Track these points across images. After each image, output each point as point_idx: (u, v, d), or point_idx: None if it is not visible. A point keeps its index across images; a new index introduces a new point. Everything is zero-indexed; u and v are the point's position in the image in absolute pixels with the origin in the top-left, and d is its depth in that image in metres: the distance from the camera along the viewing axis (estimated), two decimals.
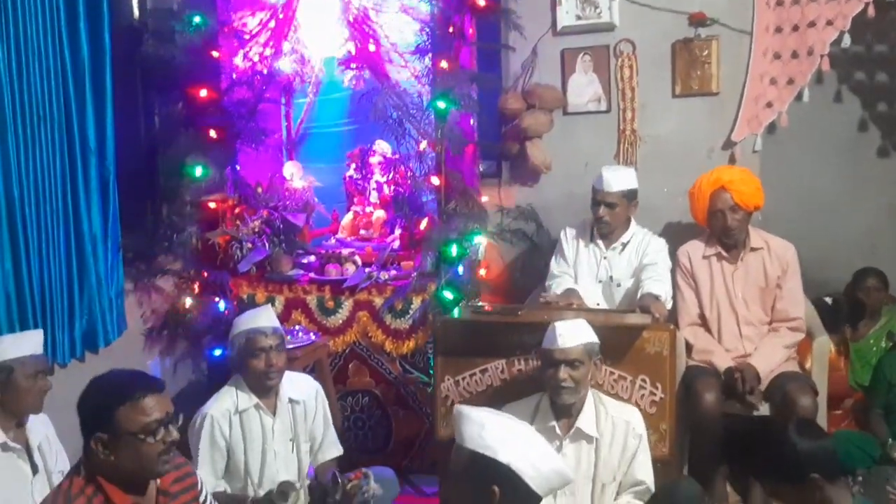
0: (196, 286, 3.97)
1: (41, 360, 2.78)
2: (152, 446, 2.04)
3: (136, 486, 2.09)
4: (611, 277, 3.65)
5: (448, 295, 3.68)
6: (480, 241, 3.92)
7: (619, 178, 3.59)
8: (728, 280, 3.58)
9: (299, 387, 3.24)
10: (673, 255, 3.67)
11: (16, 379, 2.68)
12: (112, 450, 2.03)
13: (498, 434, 1.73)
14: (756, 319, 3.55)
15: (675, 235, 3.86)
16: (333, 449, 3.32)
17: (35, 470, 2.74)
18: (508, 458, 1.69)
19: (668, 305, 3.39)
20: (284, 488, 2.93)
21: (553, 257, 3.79)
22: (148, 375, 2.20)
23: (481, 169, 4.21)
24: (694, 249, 3.65)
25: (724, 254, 3.60)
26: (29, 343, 2.78)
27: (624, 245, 3.66)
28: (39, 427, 2.84)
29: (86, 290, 3.35)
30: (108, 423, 2.02)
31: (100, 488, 2.04)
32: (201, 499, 2.33)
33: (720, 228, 3.54)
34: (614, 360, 2.98)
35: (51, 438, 2.89)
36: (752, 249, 3.57)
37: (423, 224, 3.87)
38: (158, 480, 2.16)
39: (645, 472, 2.79)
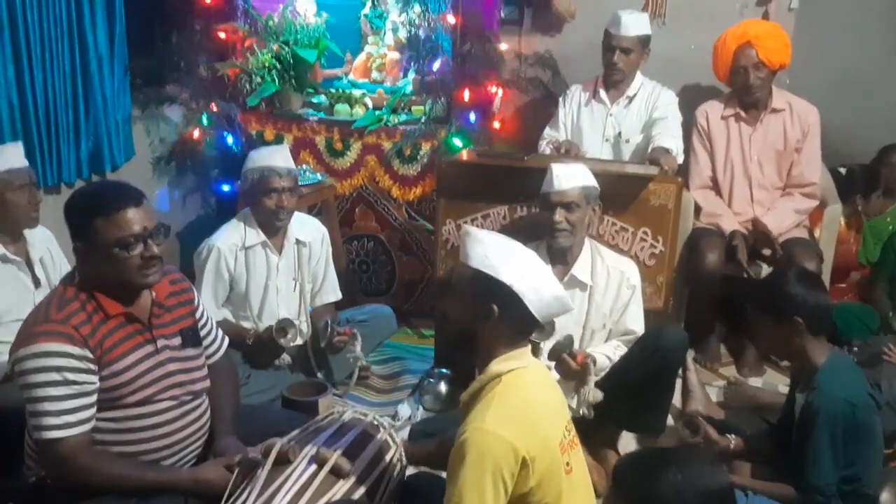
0: (204, 118, 3.93)
1: (25, 172, 2.76)
2: (129, 259, 2.01)
3: (126, 295, 2.11)
4: (619, 134, 3.55)
5: (457, 142, 3.63)
6: (495, 88, 3.80)
7: (635, 22, 3.43)
8: (745, 142, 3.48)
9: (307, 229, 3.26)
10: (691, 114, 3.56)
11: (1, 194, 2.68)
12: (91, 259, 2.04)
13: (503, 256, 1.75)
14: (769, 183, 3.48)
15: (695, 96, 3.73)
16: (332, 294, 3.38)
17: (38, 283, 2.81)
18: (511, 279, 1.72)
19: (680, 160, 3.31)
20: (284, 325, 3.01)
21: (548, 124, 3.69)
22: (129, 188, 2.12)
23: (502, 15, 4.04)
24: (712, 109, 3.54)
25: (742, 114, 3.48)
26: (10, 155, 2.76)
27: (630, 98, 3.55)
28: (41, 241, 2.89)
29: (91, 109, 3.32)
30: (85, 234, 2.02)
31: (92, 295, 2.07)
32: (197, 315, 2.36)
33: (742, 86, 3.41)
34: (617, 211, 2.95)
35: (53, 253, 2.94)
36: (774, 111, 3.45)
37: (437, 65, 3.75)
38: (153, 293, 2.18)
39: (635, 323, 2.81)
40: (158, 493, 2.04)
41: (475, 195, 3.09)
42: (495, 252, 1.75)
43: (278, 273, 3.16)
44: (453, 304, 1.88)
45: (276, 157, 3.08)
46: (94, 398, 2.04)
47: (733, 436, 2.46)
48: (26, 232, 2.80)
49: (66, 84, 3.22)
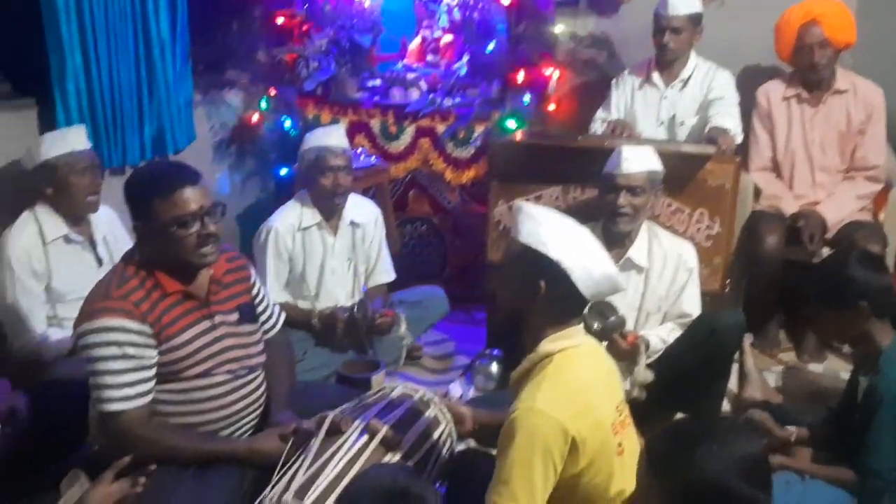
0: (263, 102, 4.00)
1: (87, 155, 2.85)
2: (187, 238, 2.06)
3: (184, 272, 2.16)
4: (673, 117, 3.49)
5: (511, 124, 3.62)
6: (550, 70, 3.77)
7: (685, 0, 3.36)
8: (807, 123, 3.39)
9: (362, 211, 3.31)
10: (751, 96, 3.48)
11: (64, 176, 2.76)
12: (150, 238, 2.10)
13: (554, 232, 1.73)
14: (831, 166, 3.38)
15: (755, 78, 3.64)
16: (385, 275, 3.42)
17: (101, 262, 2.90)
18: (560, 255, 1.69)
19: (738, 140, 3.24)
20: (360, 306, 3.06)
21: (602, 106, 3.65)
22: (186, 167, 2.18)
23: None
24: (774, 89, 3.45)
25: (805, 95, 3.39)
26: (73, 139, 2.84)
27: (685, 81, 3.48)
28: (104, 221, 2.98)
29: (154, 94, 3.41)
30: (144, 213, 2.07)
31: (151, 272, 2.13)
32: (254, 292, 2.42)
33: (806, 65, 3.31)
34: (673, 192, 2.90)
35: (117, 232, 3.03)
36: (837, 92, 3.35)
37: (491, 48, 3.74)
38: (211, 270, 2.24)
39: (692, 306, 2.77)
40: (216, 463, 2.11)
41: (528, 176, 3.08)
42: (546, 228, 1.73)
43: (334, 254, 3.21)
44: (502, 281, 1.86)
45: (331, 136, 3.14)
46: (152, 372, 2.10)
47: (794, 427, 2.40)
48: (91, 214, 2.90)
49: (130, 70, 3.32)
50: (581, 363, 1.75)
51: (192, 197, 2.06)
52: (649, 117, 3.53)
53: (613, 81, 3.63)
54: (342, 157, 3.09)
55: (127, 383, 2.05)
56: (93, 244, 2.90)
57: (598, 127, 3.53)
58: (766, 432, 2.38)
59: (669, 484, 1.38)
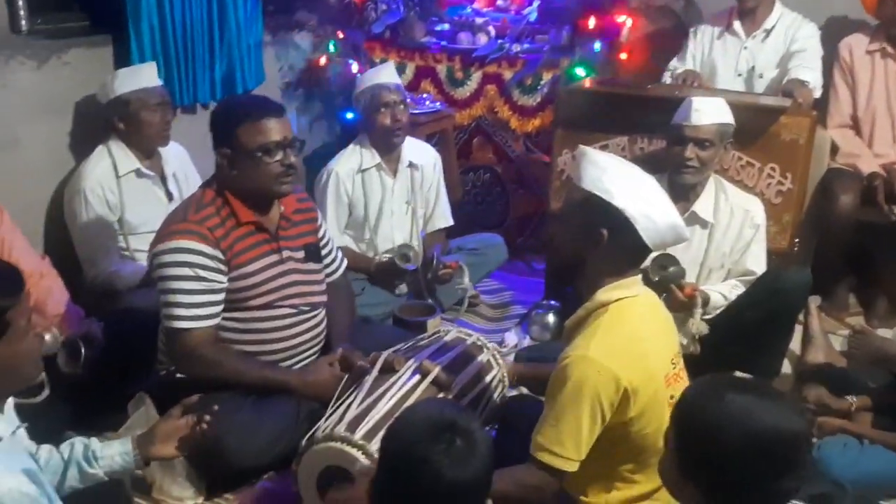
0: (331, 45, 4.01)
1: (159, 92, 2.91)
2: (270, 166, 2.16)
3: (258, 204, 2.25)
4: (752, 68, 3.35)
5: (580, 72, 3.54)
6: (623, 17, 3.67)
7: None
8: (890, 79, 3.23)
9: (420, 153, 3.32)
10: (835, 49, 3.32)
11: (136, 111, 2.83)
12: (234, 164, 2.17)
13: (618, 179, 1.67)
14: None
15: (841, 30, 3.46)
16: (443, 220, 3.43)
17: (170, 197, 2.99)
18: (624, 203, 1.65)
19: (817, 94, 3.11)
20: (405, 251, 3.09)
21: (676, 56, 3.53)
22: (271, 100, 2.29)
23: None
24: (857, 43, 3.28)
25: (889, 50, 3.22)
26: (145, 75, 2.90)
27: (768, 31, 3.33)
28: (174, 157, 3.06)
29: (225, 34, 3.43)
30: (230, 139, 2.16)
31: (227, 202, 2.21)
32: (320, 234, 2.48)
33: (891, 17, 3.14)
34: (744, 145, 2.81)
35: (186, 169, 3.12)
36: None
37: None
38: (282, 207, 2.31)
39: (756, 263, 2.70)
40: (273, 392, 2.19)
41: (594, 125, 3.02)
42: (610, 175, 1.67)
43: (393, 195, 3.23)
44: (562, 228, 1.82)
45: (382, 74, 3.18)
46: (221, 296, 2.20)
47: (854, 396, 2.34)
48: (161, 148, 2.97)
49: (202, 9, 3.34)
50: (637, 314, 1.73)
51: (276, 127, 2.16)
52: (728, 68, 3.40)
53: (692, 30, 3.51)
54: (396, 93, 3.11)
55: (196, 303, 2.15)
56: (163, 179, 2.98)
57: (668, 77, 3.43)
58: (822, 405, 2.33)
59: (688, 434, 1.32)
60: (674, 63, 3.49)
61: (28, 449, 1.53)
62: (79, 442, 1.69)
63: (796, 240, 2.94)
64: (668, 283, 2.45)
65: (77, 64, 2.97)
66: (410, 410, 1.41)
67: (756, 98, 3.03)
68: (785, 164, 2.79)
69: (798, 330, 2.78)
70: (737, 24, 3.38)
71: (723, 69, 3.40)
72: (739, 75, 3.39)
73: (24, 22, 2.86)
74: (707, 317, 2.56)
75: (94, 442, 1.71)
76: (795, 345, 2.81)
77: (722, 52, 3.41)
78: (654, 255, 2.09)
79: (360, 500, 1.45)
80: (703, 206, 2.69)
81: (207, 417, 1.75)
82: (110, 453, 1.69)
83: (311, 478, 1.85)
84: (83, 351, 1.47)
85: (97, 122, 2.93)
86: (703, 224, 2.70)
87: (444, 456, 1.27)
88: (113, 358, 2.34)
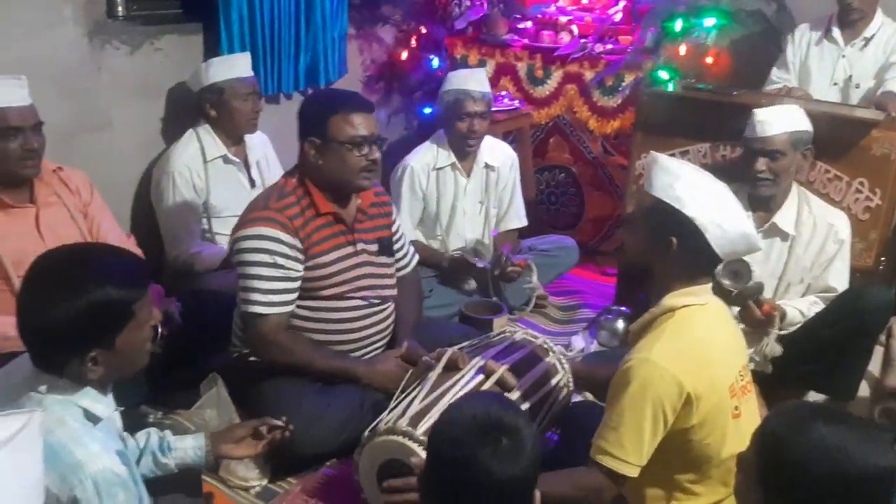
0: (413, 40, 4.04)
1: (251, 82, 2.99)
2: (356, 159, 2.20)
3: (338, 196, 2.30)
4: (849, 78, 3.24)
5: (664, 75, 3.46)
6: (711, 22, 3.58)
7: None
8: None
9: (497, 153, 3.31)
10: None
11: (228, 100, 2.92)
12: (321, 154, 2.22)
13: (689, 187, 1.67)
14: None
15: None
16: (516, 220, 3.42)
17: (253, 184, 3.07)
18: (694, 211, 1.64)
19: None
20: (477, 247, 3.10)
21: (775, 64, 3.41)
22: (361, 96, 2.34)
23: None
24: None
25: None
26: (239, 65, 2.98)
27: (867, 40, 3.22)
28: (258, 145, 3.14)
29: (311, 26, 3.50)
30: (320, 129, 2.21)
31: (308, 192, 2.26)
32: (393, 228, 2.52)
33: None
34: (832, 158, 2.72)
35: (269, 157, 3.19)
36: None
37: None
38: (359, 200, 2.35)
39: (838, 280, 2.61)
40: (339, 380, 2.23)
41: (675, 130, 2.97)
42: (682, 182, 1.67)
43: (466, 194, 3.24)
44: (631, 234, 1.84)
45: (472, 81, 3.14)
46: (297, 284, 2.25)
47: None
48: (246, 136, 3.05)
49: (290, 1, 3.40)
50: (703, 321, 1.71)
51: (365, 122, 2.21)
52: (823, 76, 3.30)
53: (789, 36, 3.40)
54: (481, 104, 3.09)
55: (273, 290, 2.20)
56: (247, 166, 3.06)
57: (768, 88, 3.33)
58: None
59: (773, 467, 1.29)
60: (776, 72, 3.39)
61: (119, 431, 1.60)
62: (154, 433, 1.77)
63: (882, 258, 2.82)
64: (745, 297, 2.38)
65: (169, 50, 3.07)
66: (456, 407, 1.42)
67: (848, 109, 2.92)
68: (874, 179, 2.69)
69: (878, 351, 2.68)
70: (836, 31, 3.26)
71: (818, 77, 3.30)
72: (835, 84, 3.28)
73: (120, 8, 2.97)
74: (782, 332, 2.49)
75: (169, 434, 1.78)
76: (874, 366, 2.70)
77: (818, 59, 3.31)
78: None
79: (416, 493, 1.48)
80: (784, 217, 2.61)
81: (283, 425, 1.83)
82: (184, 446, 1.76)
83: (372, 468, 1.88)
84: (161, 330, 1.53)
85: (186, 107, 3.03)
86: (784, 236, 2.62)
87: (491, 454, 1.28)
88: (188, 338, 2.42)
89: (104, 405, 1.47)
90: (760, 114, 2.52)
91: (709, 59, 3.68)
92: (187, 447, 1.76)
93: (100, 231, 2.56)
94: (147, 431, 1.76)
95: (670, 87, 3.19)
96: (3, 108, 2.26)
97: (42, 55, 2.64)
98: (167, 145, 3.04)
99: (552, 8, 4.04)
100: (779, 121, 2.52)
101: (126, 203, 3.04)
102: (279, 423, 1.84)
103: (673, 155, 2.97)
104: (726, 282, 2.20)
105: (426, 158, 3.21)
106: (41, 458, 0.87)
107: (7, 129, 2.26)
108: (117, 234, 2.60)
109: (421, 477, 1.41)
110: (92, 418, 1.44)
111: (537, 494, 1.35)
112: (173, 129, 3.07)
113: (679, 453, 1.69)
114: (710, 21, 3.59)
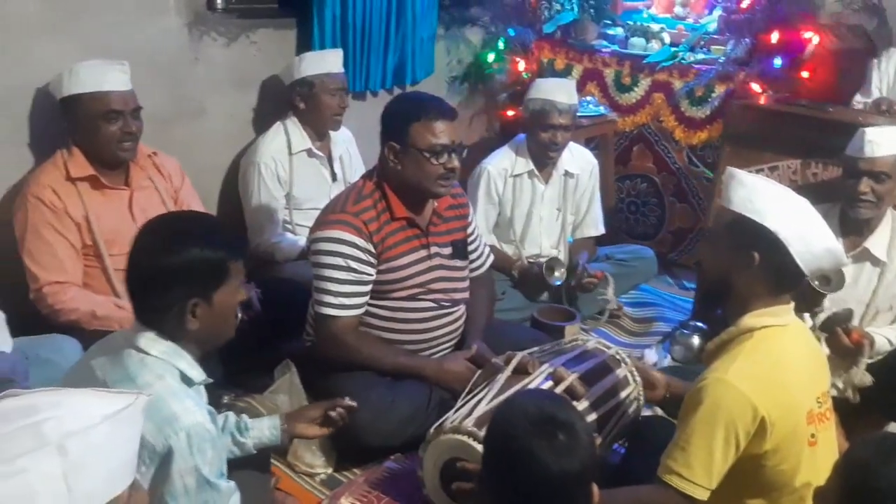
0: (500, 42, 4.03)
1: (340, 78, 3.04)
2: (434, 167, 2.20)
3: (414, 201, 2.31)
4: None
5: (756, 87, 3.38)
6: (809, 33, 3.46)
7: None
8: None
9: (577, 161, 3.27)
10: None
11: (317, 93, 2.97)
12: (400, 160, 2.23)
13: (770, 200, 1.62)
14: None
15: None
16: (594, 228, 3.37)
17: (335, 178, 3.12)
18: (777, 226, 1.59)
19: None
20: (553, 264, 3.07)
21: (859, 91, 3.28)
22: (446, 103, 2.32)
23: None
24: None
25: None
26: (331, 61, 3.03)
27: None
28: (342, 141, 3.19)
29: (401, 26, 3.53)
30: (401, 135, 2.21)
31: (385, 195, 2.28)
32: (469, 230, 2.52)
33: None
34: None
35: (352, 153, 3.25)
36: None
37: (746, 3, 3.49)
38: (436, 203, 2.36)
39: None
40: (408, 377, 2.25)
41: (765, 144, 2.89)
42: (761, 196, 1.61)
43: (543, 201, 3.21)
44: (710, 250, 1.78)
45: (560, 91, 3.07)
46: (368, 287, 2.28)
47: None
48: (331, 131, 3.11)
49: (382, 1, 3.45)
50: (784, 343, 1.66)
51: (447, 130, 2.20)
52: None
53: (875, 60, 3.26)
54: (566, 116, 3.04)
55: (345, 293, 2.23)
56: (330, 161, 3.12)
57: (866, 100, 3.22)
58: None
59: (859, 495, 1.25)
60: (857, 98, 3.26)
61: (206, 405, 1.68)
62: (232, 415, 1.86)
63: None
64: (833, 324, 2.29)
65: (263, 44, 3.15)
66: (509, 404, 1.42)
67: None
68: None
69: None
70: None
71: None
72: None
73: (220, 1, 3.07)
74: (868, 360, 2.39)
75: (245, 416, 1.87)
76: None
77: None
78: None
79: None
80: (876, 242, 2.51)
81: (353, 406, 1.92)
82: (260, 426, 1.84)
83: (436, 466, 1.89)
84: (239, 315, 1.60)
85: (276, 100, 3.11)
86: (875, 262, 2.52)
87: (547, 448, 1.28)
88: (265, 323, 2.47)
89: (198, 371, 1.55)
90: (871, 133, 2.42)
91: (804, 73, 3.56)
92: (263, 427, 1.84)
93: None
94: (225, 413, 1.84)
95: (762, 100, 3.10)
96: (106, 92, 2.37)
97: (144, 43, 2.75)
98: (256, 136, 3.12)
99: (644, 14, 3.98)
100: (889, 142, 2.42)
101: (214, 190, 3.14)
102: (351, 403, 1.92)
103: (761, 170, 2.90)
104: (815, 282, 2.12)
105: (503, 164, 3.19)
106: (138, 439, 0.95)
107: (109, 113, 2.37)
108: None
109: (479, 473, 1.42)
110: (186, 381, 1.52)
111: (595, 490, 1.34)
112: (263, 120, 3.16)
113: (750, 478, 1.64)
114: (807, 34, 3.48)
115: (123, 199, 2.48)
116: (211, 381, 1.60)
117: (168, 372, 1.50)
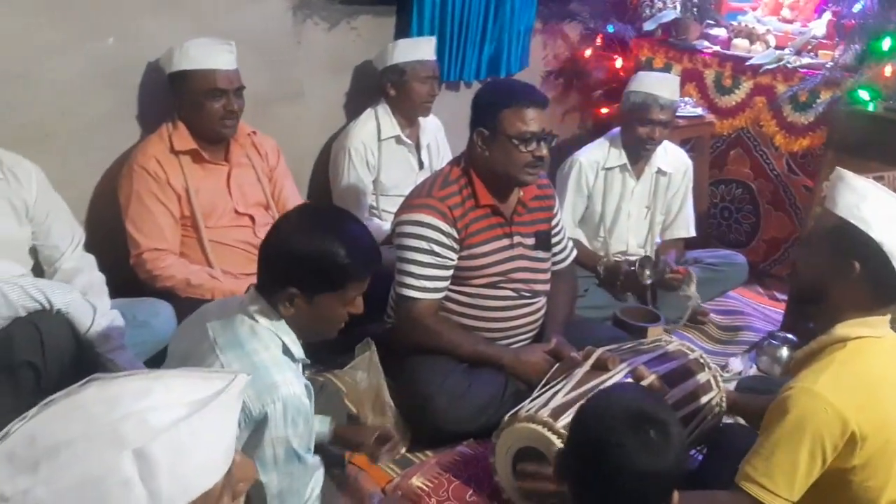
0: (599, 38, 3.99)
1: (432, 66, 3.05)
2: (522, 154, 2.19)
3: (500, 188, 2.31)
4: None
5: (864, 95, 3.21)
6: None
7: None
8: None
9: (671, 159, 3.20)
10: None
11: (408, 81, 3.00)
12: (488, 146, 2.24)
13: (878, 209, 1.54)
14: None
15: None
16: (684, 230, 3.29)
17: (421, 165, 3.16)
18: (883, 236, 1.52)
19: None
20: (644, 262, 3.01)
21: None
22: (537, 90, 2.31)
23: None
24: None
25: None
26: (423, 48, 3.05)
27: None
28: (431, 129, 3.22)
29: (499, 17, 3.53)
30: (491, 121, 2.21)
31: (471, 181, 2.29)
32: (553, 222, 2.51)
33: None
34: None
35: (440, 142, 3.27)
36: None
37: (858, 7, 3.34)
38: (521, 192, 2.35)
39: None
40: (485, 365, 2.26)
41: (872, 153, 2.76)
42: (870, 203, 1.53)
43: (632, 197, 3.16)
44: (808, 254, 1.70)
45: (664, 87, 3.00)
46: (450, 272, 2.29)
47: None
48: (421, 119, 3.14)
49: None
50: (878, 355, 1.58)
51: (537, 117, 2.19)
52: None
53: None
54: (667, 112, 2.97)
55: (427, 276, 2.25)
56: (418, 148, 3.15)
57: None
58: None
59: None
60: None
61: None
62: None
63: None
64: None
65: (362, 30, 3.20)
66: (606, 394, 1.40)
67: None
68: None
69: None
70: None
71: None
72: None
73: None
74: None
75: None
76: None
77: None
78: None
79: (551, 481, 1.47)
80: None
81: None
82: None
83: (508, 453, 1.89)
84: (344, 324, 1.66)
85: (370, 86, 3.15)
86: None
87: (639, 444, 1.26)
88: None
89: (298, 349, 1.60)
90: None
91: None
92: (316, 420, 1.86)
93: (281, 195, 2.72)
94: None
95: (870, 108, 2.96)
96: (213, 70, 2.45)
97: (250, 24, 2.83)
98: (348, 121, 3.18)
99: (749, 16, 3.86)
100: None
101: (306, 171, 3.21)
102: (395, 435, 1.98)
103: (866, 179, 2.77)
104: None
105: (596, 156, 3.14)
106: (235, 426, 0.88)
107: (214, 90, 2.45)
108: (296, 200, 2.76)
109: (559, 459, 1.41)
110: (288, 354, 1.57)
111: (676, 497, 1.31)
112: (356, 105, 3.22)
113: (835, 493, 1.57)
114: None
115: (222, 174, 2.57)
116: (308, 361, 1.64)
117: (274, 342, 1.56)
